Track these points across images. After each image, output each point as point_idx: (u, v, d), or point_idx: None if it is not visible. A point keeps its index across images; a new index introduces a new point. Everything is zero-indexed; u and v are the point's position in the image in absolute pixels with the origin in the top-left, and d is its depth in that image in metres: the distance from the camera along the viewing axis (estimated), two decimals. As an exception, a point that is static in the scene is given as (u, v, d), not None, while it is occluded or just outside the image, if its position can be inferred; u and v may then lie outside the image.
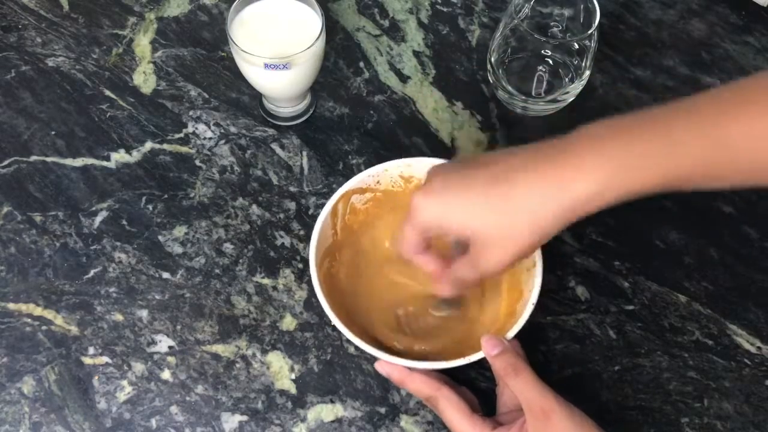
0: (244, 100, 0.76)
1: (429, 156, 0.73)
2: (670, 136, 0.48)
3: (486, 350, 0.55)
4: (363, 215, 0.65)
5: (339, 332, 0.66)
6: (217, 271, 0.68)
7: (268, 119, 0.75)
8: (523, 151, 0.52)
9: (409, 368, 0.57)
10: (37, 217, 0.70)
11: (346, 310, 0.61)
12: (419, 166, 0.64)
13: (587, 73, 0.72)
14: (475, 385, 0.62)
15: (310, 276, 0.68)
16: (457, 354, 0.56)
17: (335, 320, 0.57)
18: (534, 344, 0.64)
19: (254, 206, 0.71)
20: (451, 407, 0.55)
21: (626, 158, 0.48)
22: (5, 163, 0.73)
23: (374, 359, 0.64)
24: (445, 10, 0.82)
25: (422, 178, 0.64)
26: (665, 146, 0.48)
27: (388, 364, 0.57)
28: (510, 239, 0.51)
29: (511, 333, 0.56)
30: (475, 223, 0.51)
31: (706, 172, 0.49)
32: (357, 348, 0.65)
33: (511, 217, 0.50)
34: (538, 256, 0.59)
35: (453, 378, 0.59)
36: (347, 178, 0.72)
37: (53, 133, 0.74)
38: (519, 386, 0.53)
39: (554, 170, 0.49)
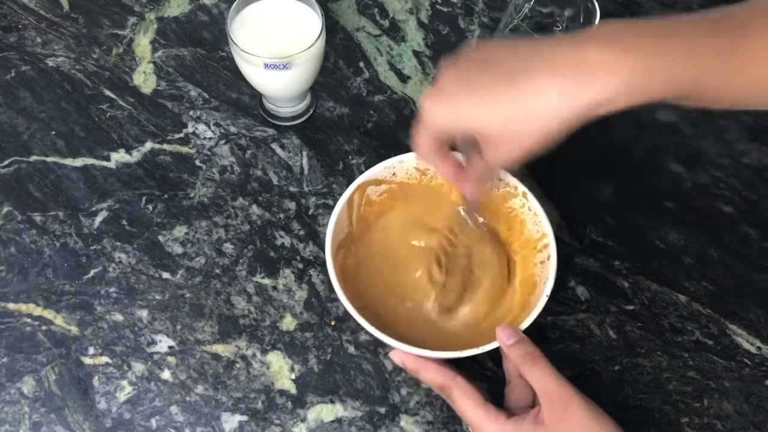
0: (244, 100, 0.76)
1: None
2: (689, 47, 0.47)
3: (501, 340, 0.55)
4: (378, 206, 0.65)
5: (339, 332, 0.66)
6: (217, 271, 0.68)
7: (268, 119, 0.75)
8: (536, 48, 0.50)
9: (423, 357, 0.57)
10: (37, 217, 0.70)
11: (362, 301, 0.61)
12: None
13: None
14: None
15: (310, 276, 0.68)
16: (470, 345, 0.56)
17: (352, 311, 0.57)
18: (534, 344, 0.64)
19: (254, 206, 0.71)
20: (465, 396, 0.55)
21: (644, 65, 0.46)
22: (5, 163, 0.73)
23: (374, 359, 0.64)
24: (445, 10, 0.82)
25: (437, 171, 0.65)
26: (684, 57, 0.47)
27: (402, 353, 0.57)
28: (520, 137, 0.50)
29: (526, 323, 0.56)
30: (486, 124, 0.50)
31: (722, 86, 0.48)
32: (358, 348, 0.65)
33: (523, 117, 0.49)
34: (552, 250, 0.59)
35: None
36: (347, 178, 0.72)
37: (53, 133, 0.74)
38: (536, 375, 0.53)
39: (569, 71, 0.47)
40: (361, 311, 0.57)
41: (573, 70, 0.47)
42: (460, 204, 0.64)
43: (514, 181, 0.62)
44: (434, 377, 0.56)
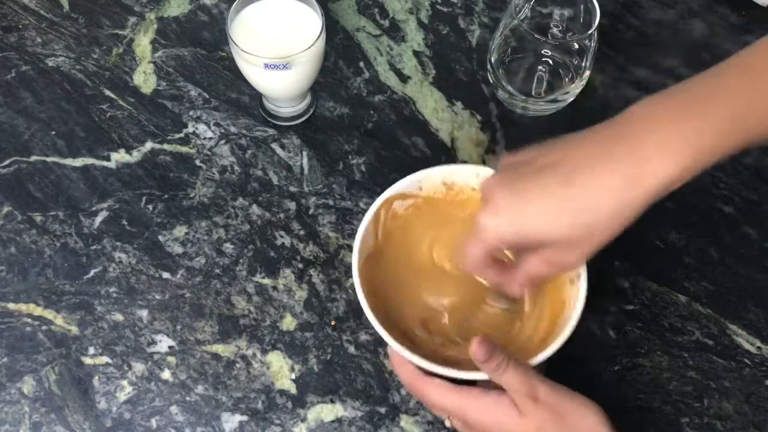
0: (244, 100, 0.77)
1: (429, 156, 0.74)
2: (737, 97, 0.47)
3: (475, 356, 0.53)
4: (404, 221, 0.64)
5: (339, 332, 0.66)
6: (217, 271, 0.68)
7: (268, 119, 0.75)
8: (581, 143, 0.50)
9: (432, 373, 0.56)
10: (37, 217, 0.70)
11: (387, 317, 0.60)
12: (462, 173, 0.63)
13: (587, 73, 0.72)
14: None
15: (310, 276, 0.68)
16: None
17: (380, 330, 0.56)
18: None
19: (254, 206, 0.71)
20: (436, 386, 0.55)
21: (703, 131, 0.47)
22: (5, 163, 0.73)
23: (374, 359, 0.64)
24: (445, 10, 0.82)
25: (464, 185, 0.64)
26: (735, 108, 0.47)
27: (398, 358, 0.56)
28: (592, 236, 0.50)
29: (557, 344, 0.56)
30: (554, 230, 0.49)
31: None
32: (358, 348, 0.65)
33: (592, 214, 0.48)
34: (582, 268, 0.58)
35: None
36: (347, 178, 0.72)
37: (53, 133, 0.74)
38: (506, 380, 0.53)
39: (632, 159, 0.47)
40: (386, 328, 0.56)
41: (631, 159, 0.47)
42: (491, 295, 0.62)
43: None
44: (405, 377, 0.56)
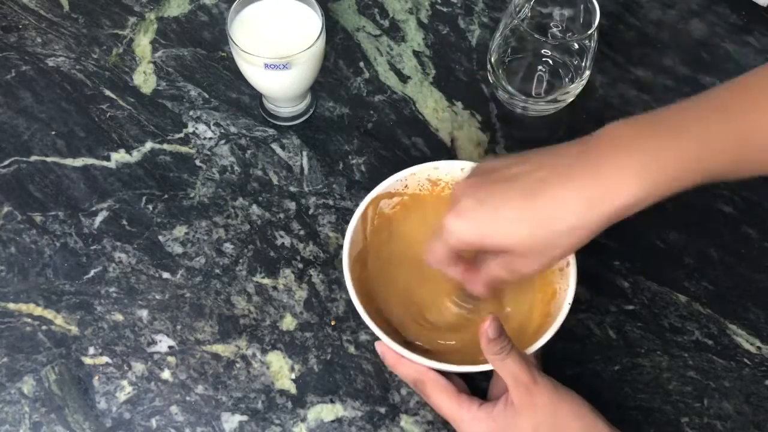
0: (244, 100, 0.76)
1: (429, 156, 0.74)
2: (703, 133, 0.48)
3: (485, 333, 0.54)
4: (391, 219, 0.65)
5: (339, 332, 0.66)
6: (217, 271, 0.68)
7: (268, 119, 0.75)
8: (550, 158, 0.51)
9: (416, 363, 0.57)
10: (37, 217, 0.70)
11: (379, 313, 0.61)
12: (446, 168, 0.64)
13: (587, 73, 0.72)
14: (479, 386, 0.62)
15: (310, 276, 0.68)
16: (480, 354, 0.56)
17: (375, 329, 0.57)
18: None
19: (254, 206, 0.71)
20: (438, 389, 0.56)
21: (664, 161, 0.48)
22: (5, 163, 0.73)
23: (374, 359, 0.64)
24: (445, 10, 0.82)
25: (450, 181, 0.65)
26: (700, 144, 0.48)
27: (383, 346, 0.58)
28: (549, 249, 0.51)
29: (550, 332, 0.56)
30: (513, 239, 0.51)
31: (741, 163, 0.49)
32: (358, 348, 0.65)
33: (550, 229, 0.50)
34: (571, 256, 0.59)
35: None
36: (347, 178, 0.72)
37: (53, 133, 0.74)
38: (505, 367, 0.53)
39: (593, 180, 0.48)
40: (379, 325, 0.57)
41: (593, 180, 0.48)
42: (455, 294, 0.63)
43: None
44: (408, 372, 0.57)
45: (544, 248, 0.51)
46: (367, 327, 0.58)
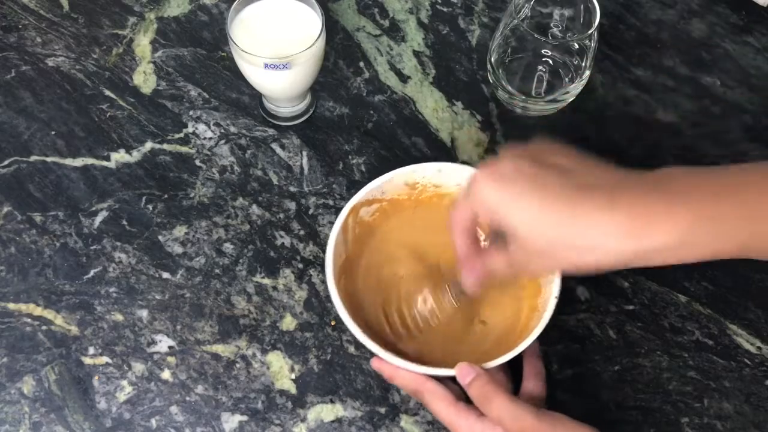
0: (244, 100, 0.77)
1: (429, 156, 0.74)
2: (754, 205, 0.46)
3: (460, 378, 0.55)
4: (371, 227, 0.65)
5: (339, 332, 0.66)
6: (217, 271, 0.68)
7: (268, 119, 0.75)
8: (604, 173, 0.49)
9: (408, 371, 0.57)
10: (37, 217, 0.70)
11: (368, 324, 0.61)
12: (423, 171, 0.64)
13: (587, 73, 0.72)
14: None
15: (310, 276, 0.68)
16: (471, 358, 0.57)
17: (367, 342, 0.57)
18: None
19: (254, 206, 0.71)
20: (436, 398, 0.56)
21: (714, 215, 0.46)
22: (5, 163, 0.73)
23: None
24: (445, 10, 0.82)
25: (427, 184, 0.64)
26: (748, 211, 0.46)
27: (378, 361, 0.57)
28: (561, 259, 0.49)
29: (539, 329, 0.56)
30: (534, 230, 0.48)
31: None
32: (358, 348, 0.65)
33: (575, 240, 0.47)
34: None
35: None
36: (347, 178, 0.72)
37: (53, 133, 0.74)
38: (495, 413, 0.53)
39: (637, 214, 0.46)
40: (366, 331, 0.57)
41: (635, 216, 0.46)
42: (451, 280, 0.62)
43: None
44: (406, 383, 0.57)
45: (561, 255, 0.49)
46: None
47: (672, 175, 0.48)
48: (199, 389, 0.63)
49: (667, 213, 0.46)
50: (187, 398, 0.63)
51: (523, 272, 0.54)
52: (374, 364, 0.58)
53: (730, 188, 0.47)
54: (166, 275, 0.68)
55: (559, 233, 0.47)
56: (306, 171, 0.73)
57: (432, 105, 0.77)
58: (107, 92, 0.77)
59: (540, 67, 0.74)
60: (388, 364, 0.57)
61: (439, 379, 0.57)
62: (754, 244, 0.47)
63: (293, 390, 0.64)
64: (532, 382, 0.58)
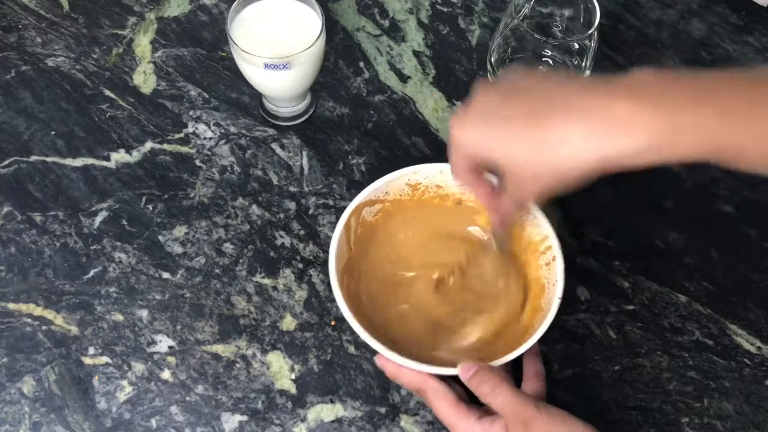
0: (244, 100, 0.77)
1: (429, 156, 0.74)
2: (728, 107, 0.46)
3: (462, 374, 0.56)
4: (374, 227, 0.65)
5: (339, 332, 0.66)
6: (217, 271, 0.68)
7: (268, 119, 0.75)
8: (566, 86, 0.49)
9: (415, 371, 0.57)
10: (37, 217, 0.70)
11: (371, 323, 0.61)
12: (425, 172, 0.64)
13: (587, 73, 0.72)
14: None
15: (310, 276, 0.68)
16: (473, 357, 0.57)
17: (370, 341, 0.57)
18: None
19: (254, 206, 0.71)
20: (438, 397, 0.56)
21: (679, 122, 0.46)
22: (5, 163, 0.73)
23: (374, 359, 0.64)
24: (445, 10, 0.82)
25: (429, 185, 0.65)
26: (721, 116, 0.46)
27: (383, 359, 0.58)
28: (538, 176, 0.50)
29: (542, 329, 0.56)
30: (506, 157, 0.50)
31: (760, 149, 0.47)
32: (358, 348, 0.65)
33: (546, 156, 0.48)
34: (557, 251, 0.59)
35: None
36: (347, 178, 0.72)
37: (53, 133, 0.74)
38: (497, 400, 0.54)
39: (601, 118, 0.47)
40: (371, 332, 0.57)
41: (597, 120, 0.47)
42: (488, 229, 0.64)
43: None
44: (409, 381, 0.58)
45: (535, 174, 0.50)
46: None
47: (641, 81, 0.48)
48: (199, 389, 0.63)
49: (629, 119, 0.46)
50: (187, 398, 0.63)
51: (526, 199, 0.55)
52: (378, 361, 0.58)
53: (699, 93, 0.47)
54: (166, 275, 0.68)
55: (534, 153, 0.49)
56: (306, 171, 0.73)
57: (432, 105, 0.77)
58: (107, 92, 0.77)
59: (540, 67, 0.74)
60: (392, 362, 0.57)
61: (442, 379, 0.57)
62: (725, 152, 0.47)
63: (293, 390, 0.64)
64: (532, 382, 0.58)
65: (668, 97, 0.46)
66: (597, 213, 0.71)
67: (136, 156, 0.73)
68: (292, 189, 0.72)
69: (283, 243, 0.69)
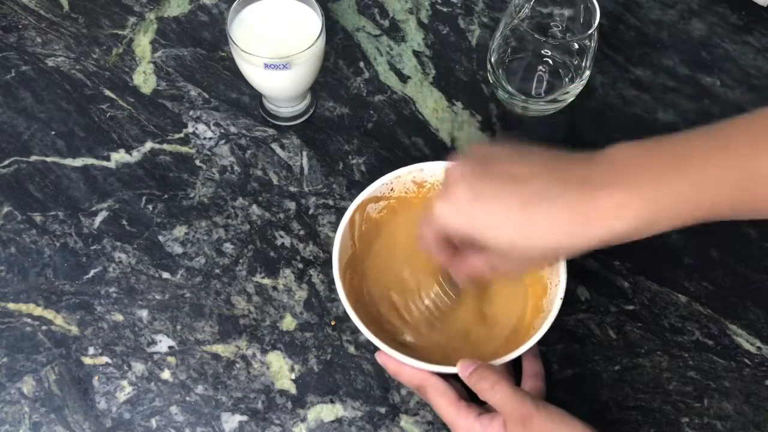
0: (244, 100, 0.77)
1: (429, 156, 0.74)
2: (705, 174, 0.48)
3: (461, 371, 0.56)
4: (378, 223, 0.65)
5: (339, 332, 0.66)
6: (217, 271, 0.68)
7: (268, 119, 0.75)
8: (553, 169, 0.51)
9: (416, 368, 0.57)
10: (37, 217, 0.70)
11: (373, 319, 0.61)
12: (431, 169, 0.64)
13: (587, 73, 0.72)
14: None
15: (310, 276, 0.68)
16: (475, 355, 0.57)
17: (372, 338, 0.57)
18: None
19: (254, 206, 0.71)
20: (438, 394, 0.57)
21: (662, 198, 0.48)
22: (5, 163, 0.73)
23: (374, 359, 0.64)
24: (445, 10, 0.82)
25: (435, 183, 0.65)
26: (698, 187, 0.48)
27: (384, 356, 0.58)
28: (527, 256, 0.52)
29: (543, 329, 0.56)
30: (498, 241, 0.51)
31: (738, 206, 0.49)
32: (358, 348, 0.65)
33: (534, 242, 0.50)
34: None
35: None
36: (347, 178, 0.72)
37: (53, 133, 0.74)
38: (496, 397, 0.54)
39: (584, 210, 0.48)
40: (371, 327, 0.57)
41: (581, 212, 0.48)
42: (443, 279, 0.63)
43: None
44: (410, 379, 0.58)
45: (525, 257, 0.52)
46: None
47: (618, 162, 0.49)
48: (199, 389, 0.63)
49: (615, 207, 0.48)
50: (187, 398, 0.63)
51: (507, 272, 0.56)
52: (380, 359, 0.59)
53: (677, 164, 0.48)
54: (166, 275, 0.68)
55: (523, 237, 0.50)
56: (306, 171, 0.73)
57: (432, 105, 0.77)
58: (107, 92, 0.77)
59: (540, 67, 0.74)
60: (393, 359, 0.57)
61: (442, 377, 0.57)
62: (708, 212, 0.49)
63: (293, 390, 0.64)
64: (531, 381, 0.59)
65: (647, 177, 0.48)
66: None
67: (136, 156, 0.73)
68: (292, 189, 0.72)
69: (283, 243, 0.69)
